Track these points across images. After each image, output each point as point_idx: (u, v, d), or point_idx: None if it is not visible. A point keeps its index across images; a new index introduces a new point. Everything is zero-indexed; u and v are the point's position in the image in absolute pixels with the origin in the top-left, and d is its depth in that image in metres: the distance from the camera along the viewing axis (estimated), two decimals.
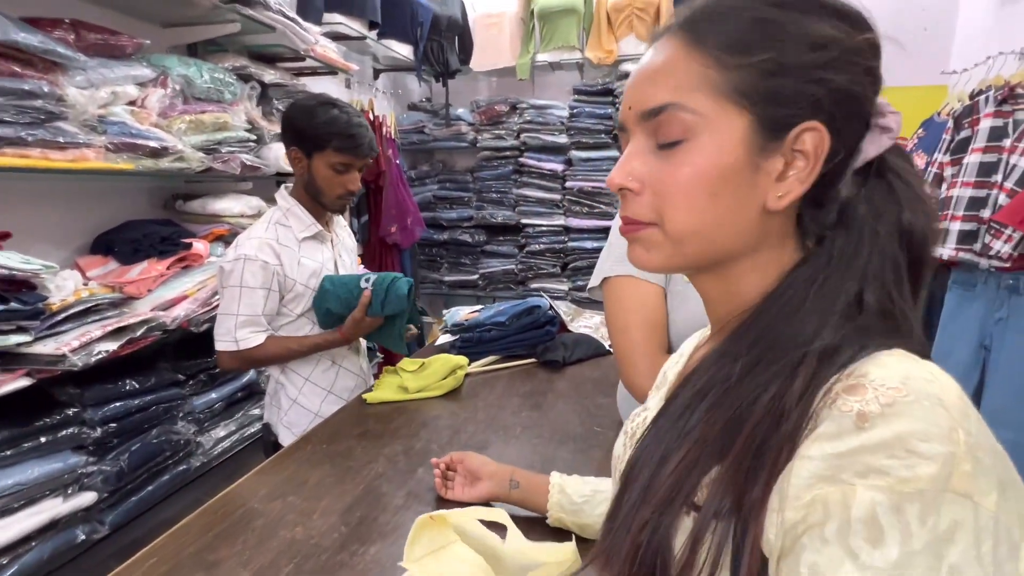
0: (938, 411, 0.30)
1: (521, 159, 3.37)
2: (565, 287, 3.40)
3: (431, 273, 3.66)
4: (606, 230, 3.01)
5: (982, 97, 2.04)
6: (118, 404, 1.46)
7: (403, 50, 2.96)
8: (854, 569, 0.29)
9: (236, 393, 1.86)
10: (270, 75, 2.02)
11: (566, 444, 1.12)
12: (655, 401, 0.55)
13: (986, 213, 1.89)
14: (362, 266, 1.66)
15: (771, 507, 0.32)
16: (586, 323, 1.83)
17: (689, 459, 0.37)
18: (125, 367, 1.51)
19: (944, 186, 2.05)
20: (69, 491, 1.34)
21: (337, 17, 2.44)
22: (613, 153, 3.21)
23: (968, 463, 0.29)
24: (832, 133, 0.38)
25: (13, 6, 1.25)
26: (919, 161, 2.23)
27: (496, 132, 3.36)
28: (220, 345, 1.29)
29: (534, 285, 3.44)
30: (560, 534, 0.81)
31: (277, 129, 2.01)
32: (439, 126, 3.46)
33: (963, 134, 2.05)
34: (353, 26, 2.52)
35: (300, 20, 1.97)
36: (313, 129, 1.29)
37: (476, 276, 3.55)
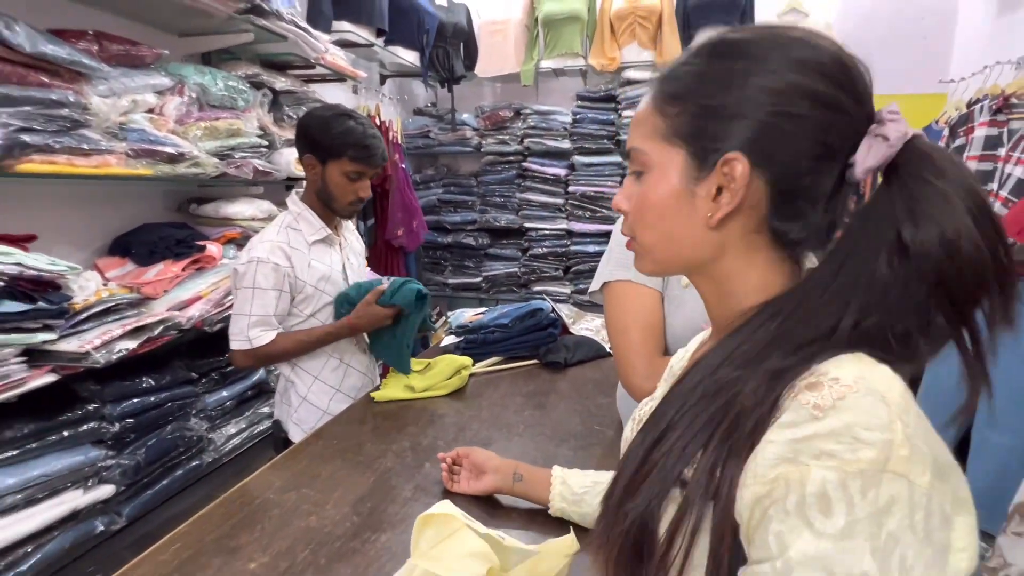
0: (880, 406, 0.36)
1: (524, 164, 3.42)
2: (567, 290, 3.44)
3: (435, 276, 3.71)
4: (608, 234, 3.03)
5: (977, 106, 2.08)
6: (135, 400, 1.51)
7: (409, 56, 3.02)
8: (811, 536, 0.34)
9: (246, 391, 1.92)
10: (281, 82, 2.08)
11: (567, 442, 1.16)
12: (661, 391, 0.62)
13: None
14: (368, 268, 1.71)
15: (743, 483, 0.38)
16: (587, 326, 1.87)
17: (679, 443, 0.43)
18: (141, 365, 1.56)
19: None
20: (89, 483, 1.39)
21: (345, 25, 2.50)
22: (615, 159, 3.26)
23: (905, 449, 0.35)
24: (762, 160, 0.44)
25: (38, 15, 1.31)
26: None
27: (500, 137, 3.41)
28: (234, 344, 1.34)
29: (537, 288, 3.49)
30: (561, 529, 0.83)
31: (288, 135, 2.06)
32: (444, 131, 3.50)
33: (958, 142, 2.09)
34: (361, 34, 2.58)
35: (310, 29, 2.02)
36: (329, 139, 1.34)
37: (480, 279, 3.60)
